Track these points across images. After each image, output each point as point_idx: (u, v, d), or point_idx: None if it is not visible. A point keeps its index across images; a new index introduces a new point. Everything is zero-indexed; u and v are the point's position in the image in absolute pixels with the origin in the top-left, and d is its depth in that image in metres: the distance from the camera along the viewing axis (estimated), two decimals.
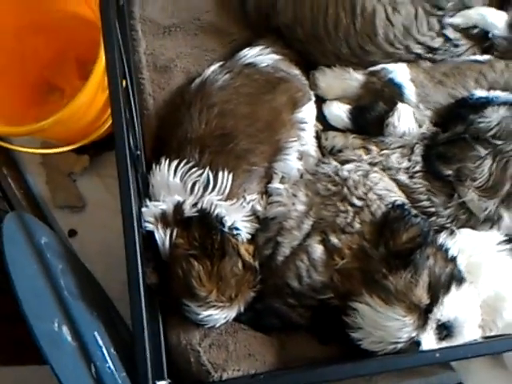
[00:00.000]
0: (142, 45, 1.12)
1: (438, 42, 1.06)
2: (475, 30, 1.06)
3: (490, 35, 1.05)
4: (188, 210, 0.92)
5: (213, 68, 1.07)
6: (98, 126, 1.13)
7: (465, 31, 1.06)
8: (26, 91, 1.22)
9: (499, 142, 0.94)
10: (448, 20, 1.05)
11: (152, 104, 1.09)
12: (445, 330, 0.86)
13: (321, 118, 1.11)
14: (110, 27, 0.89)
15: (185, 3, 1.16)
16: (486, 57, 1.07)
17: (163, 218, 0.92)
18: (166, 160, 0.98)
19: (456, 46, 1.07)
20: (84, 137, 1.13)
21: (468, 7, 1.07)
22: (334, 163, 1.01)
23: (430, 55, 1.07)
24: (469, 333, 0.87)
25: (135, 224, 0.79)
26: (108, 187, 1.21)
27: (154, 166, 1.00)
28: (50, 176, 1.23)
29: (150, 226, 0.91)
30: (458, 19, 1.05)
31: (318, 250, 0.93)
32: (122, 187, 0.81)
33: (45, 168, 1.23)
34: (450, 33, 1.06)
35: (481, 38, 1.07)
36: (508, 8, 1.05)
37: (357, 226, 0.93)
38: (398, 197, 0.96)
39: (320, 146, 1.09)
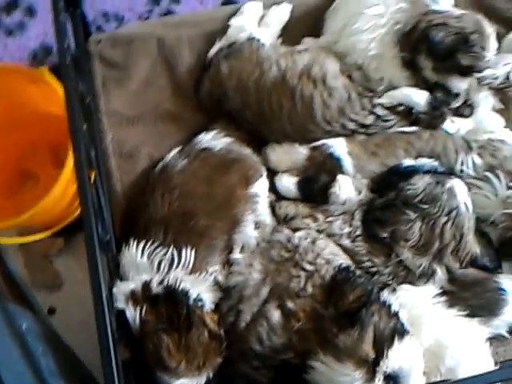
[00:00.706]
0: (109, 135, 1.22)
1: (369, 120, 1.19)
2: (401, 107, 1.19)
3: (413, 111, 1.19)
4: (155, 288, 1.01)
5: (172, 153, 1.18)
6: (71, 211, 1.22)
7: (393, 108, 1.19)
8: (1, 182, 1.30)
9: (425, 206, 1.06)
10: (377, 100, 1.19)
11: (120, 188, 1.19)
12: (391, 380, 0.95)
13: (274, 189, 1.23)
14: (75, 125, 0.99)
15: (145, 96, 1.28)
16: (413, 128, 1.20)
17: (133, 297, 1.00)
18: (134, 241, 1.07)
19: (386, 121, 1.20)
20: (59, 221, 1.21)
21: (395, 88, 1.21)
22: (286, 231, 1.11)
23: (363, 130, 1.20)
24: (413, 381, 0.96)
25: (105, 305, 0.86)
26: (83, 266, 1.28)
27: (123, 246, 1.08)
28: (27, 259, 1.30)
29: (120, 305, 0.99)
30: (386, 99, 1.19)
31: (275, 314, 1.02)
32: (92, 272, 0.89)
33: (22, 252, 1.31)
34: (379, 110, 1.19)
35: (407, 113, 1.20)
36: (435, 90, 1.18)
37: (309, 289, 1.02)
38: (343, 260, 1.06)
39: (275, 215, 1.20)
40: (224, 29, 1.32)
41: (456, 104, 1.25)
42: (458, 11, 1.21)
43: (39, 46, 1.53)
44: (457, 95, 1.22)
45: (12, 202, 1.30)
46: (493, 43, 1.19)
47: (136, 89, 1.28)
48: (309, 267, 1.04)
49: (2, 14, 1.56)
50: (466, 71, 1.19)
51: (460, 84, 1.21)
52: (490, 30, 1.18)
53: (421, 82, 1.22)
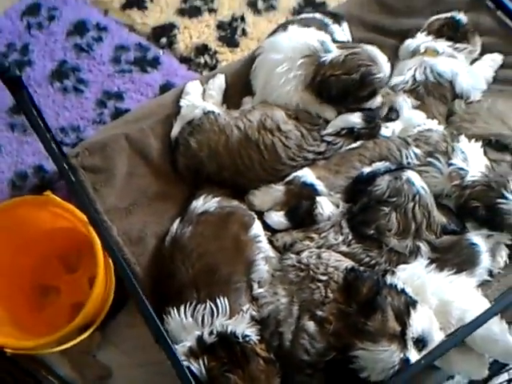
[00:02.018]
0: (114, 229, 1.36)
1: (323, 147, 1.41)
2: (344, 130, 1.42)
3: (355, 130, 1.42)
4: (208, 339, 1.15)
5: (176, 225, 1.34)
6: (102, 309, 1.33)
7: (338, 133, 1.42)
8: (27, 298, 1.40)
9: (394, 199, 1.27)
10: (324, 131, 1.41)
11: (140, 270, 1.33)
12: (419, 342, 1.14)
13: (266, 226, 1.40)
14: (98, 223, 1.14)
15: (131, 187, 1.43)
16: (359, 142, 1.43)
17: (192, 353, 1.14)
18: (173, 308, 1.21)
19: (335, 144, 1.42)
20: (93, 322, 1.32)
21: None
22: (293, 256, 1.29)
23: (320, 156, 1.41)
24: (436, 337, 1.16)
25: (184, 365, 1.00)
26: (125, 350, 1.39)
27: (164, 316, 1.22)
28: (72, 361, 1.39)
29: (185, 364, 1.12)
30: (331, 128, 1.42)
31: (311, 325, 1.19)
32: (164, 346, 1.02)
33: (65, 356, 1.39)
34: (328, 138, 1.41)
35: (350, 133, 1.43)
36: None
37: (330, 295, 1.20)
38: (347, 262, 1.25)
39: (275, 247, 1.37)
40: (175, 111, 1.51)
41: (383, 113, 1.50)
42: (351, 49, 1.42)
43: (14, 176, 1.65)
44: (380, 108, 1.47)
45: (41, 318, 1.40)
46: (386, 66, 1.42)
47: (122, 183, 1.43)
48: (323, 278, 1.22)
49: None
50: (373, 94, 1.43)
51: (374, 103, 1.46)
52: (383, 56, 1.42)
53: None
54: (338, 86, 1.38)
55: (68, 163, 1.31)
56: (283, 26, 1.55)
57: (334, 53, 1.41)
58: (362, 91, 1.39)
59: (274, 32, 1.57)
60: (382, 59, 1.43)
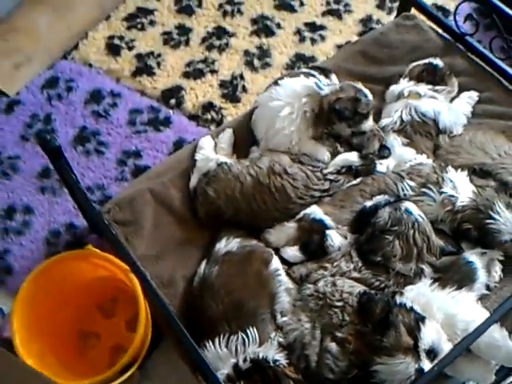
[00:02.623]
0: (147, 274, 1.49)
1: (326, 185, 1.57)
2: (344, 169, 1.58)
3: (353, 167, 1.59)
4: (243, 365, 1.27)
5: (203, 266, 1.47)
6: (141, 349, 1.44)
7: (339, 172, 1.58)
8: (70, 343, 1.52)
9: (396, 228, 1.42)
10: (326, 170, 1.57)
11: (173, 310, 1.45)
12: (431, 353, 1.27)
13: (283, 261, 1.54)
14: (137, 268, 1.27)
15: (159, 235, 1.56)
16: (358, 179, 1.59)
17: (230, 380, 1.26)
18: (208, 342, 1.33)
19: (337, 181, 1.58)
20: (133, 362, 1.43)
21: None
22: (310, 286, 1.42)
23: (325, 194, 1.57)
24: (445, 347, 1.28)
25: None
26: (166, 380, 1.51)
27: (200, 349, 1.34)
28: None
29: None
30: (332, 167, 1.58)
31: (333, 346, 1.31)
32: (202, 364, 1.15)
33: None
34: (330, 176, 1.57)
35: (349, 171, 1.59)
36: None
37: (347, 318, 1.33)
38: (360, 287, 1.38)
39: (292, 279, 1.51)
40: (191, 164, 1.67)
41: (375, 151, 1.67)
42: (340, 85, 1.64)
43: (48, 234, 1.80)
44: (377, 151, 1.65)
45: (84, 360, 1.51)
46: (369, 95, 1.63)
47: (150, 233, 1.57)
48: (339, 303, 1.35)
49: (6, 220, 1.82)
50: (367, 115, 1.62)
51: (367, 125, 1.63)
52: (363, 88, 1.63)
53: (333, 144, 1.63)
54: (347, 106, 1.58)
55: (102, 219, 1.45)
56: (274, 83, 1.73)
57: (329, 87, 1.62)
58: (362, 110, 1.58)
59: (267, 88, 1.74)
60: (366, 89, 1.64)
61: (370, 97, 1.63)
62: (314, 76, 1.66)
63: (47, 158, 1.41)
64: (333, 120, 1.61)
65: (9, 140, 1.98)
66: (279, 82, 1.67)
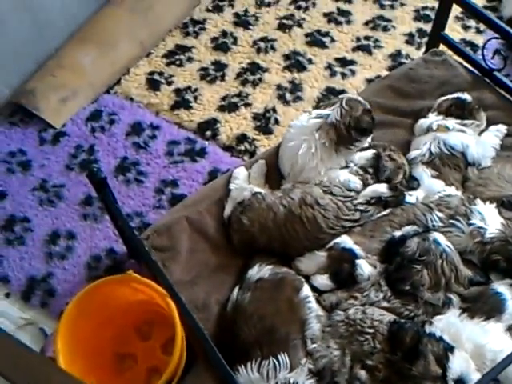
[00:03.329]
0: (182, 298, 1.55)
1: (357, 215, 1.61)
2: (374, 199, 1.63)
3: (382, 198, 1.63)
4: None
5: (235, 292, 1.53)
6: (176, 372, 1.49)
7: (368, 202, 1.63)
8: (109, 364, 1.58)
9: (424, 258, 1.45)
10: (356, 201, 1.63)
11: (208, 334, 1.51)
12: (459, 382, 1.28)
13: (313, 288, 1.58)
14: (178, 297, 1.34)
15: (194, 261, 1.63)
16: (388, 210, 1.64)
17: None
18: (240, 366, 1.38)
19: (367, 212, 1.63)
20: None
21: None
22: (341, 313, 1.46)
23: (356, 224, 1.61)
24: (473, 377, 1.30)
25: None
26: None
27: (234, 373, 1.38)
28: None
29: None
30: (362, 198, 1.63)
31: (362, 373, 1.34)
32: None
33: None
34: (361, 207, 1.62)
35: (379, 201, 1.64)
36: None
37: (378, 346, 1.36)
38: (390, 316, 1.41)
39: (322, 307, 1.55)
40: (226, 193, 1.75)
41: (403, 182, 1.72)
42: (343, 105, 1.68)
43: (89, 259, 1.89)
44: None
45: (121, 381, 1.57)
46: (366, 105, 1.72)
47: (186, 259, 1.64)
48: (370, 331, 1.38)
49: (51, 245, 1.92)
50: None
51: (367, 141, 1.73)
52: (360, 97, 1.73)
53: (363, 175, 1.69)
54: (366, 120, 1.68)
55: (143, 245, 1.53)
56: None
57: (332, 112, 1.68)
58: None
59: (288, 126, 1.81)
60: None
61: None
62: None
63: (92, 187, 1.50)
64: (356, 138, 1.69)
65: (54, 169, 2.10)
66: (291, 123, 1.77)
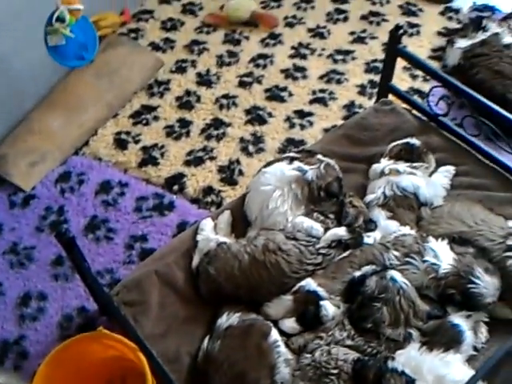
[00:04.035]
0: (154, 352, 1.59)
1: (319, 259, 1.69)
2: (334, 243, 1.72)
3: (342, 241, 1.72)
4: None
5: (205, 342, 1.57)
6: None
7: (329, 246, 1.71)
8: None
9: (383, 295, 1.53)
10: (318, 246, 1.71)
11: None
12: None
13: (281, 332, 1.63)
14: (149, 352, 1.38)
15: (165, 314, 1.67)
16: (348, 251, 1.72)
17: None
18: None
19: (329, 255, 1.71)
20: None
21: None
22: (308, 355, 1.51)
23: (318, 267, 1.69)
24: None
25: None
26: None
27: None
28: None
29: None
30: (323, 243, 1.71)
31: None
32: None
33: None
34: (322, 250, 1.70)
35: (339, 244, 1.73)
36: None
37: None
38: (353, 354, 1.47)
39: (291, 350, 1.60)
40: (193, 245, 1.81)
41: (362, 225, 1.81)
42: (321, 169, 1.81)
43: (61, 318, 1.91)
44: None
45: None
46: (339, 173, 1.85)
47: (157, 312, 1.68)
48: (335, 371, 1.44)
49: (22, 307, 1.94)
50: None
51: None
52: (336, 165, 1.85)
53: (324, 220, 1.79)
54: (336, 186, 1.82)
55: (112, 301, 1.58)
56: (264, 166, 1.91)
57: (311, 172, 1.80)
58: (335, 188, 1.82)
59: (257, 174, 1.92)
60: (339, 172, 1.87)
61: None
62: (296, 159, 1.85)
63: (61, 247, 1.56)
64: (323, 199, 1.79)
65: (25, 232, 2.14)
66: (267, 169, 1.86)
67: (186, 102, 2.55)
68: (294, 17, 2.89)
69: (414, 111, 2.19)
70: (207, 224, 1.85)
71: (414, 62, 2.14)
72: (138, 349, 1.43)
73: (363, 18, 2.86)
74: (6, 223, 2.16)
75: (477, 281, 1.57)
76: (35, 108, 2.50)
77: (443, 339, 1.51)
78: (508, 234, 1.66)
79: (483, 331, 1.57)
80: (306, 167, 1.81)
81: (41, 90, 2.53)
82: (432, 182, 1.92)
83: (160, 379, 1.44)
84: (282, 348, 1.56)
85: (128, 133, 2.45)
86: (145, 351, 1.39)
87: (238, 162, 2.32)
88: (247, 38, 2.81)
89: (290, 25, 2.85)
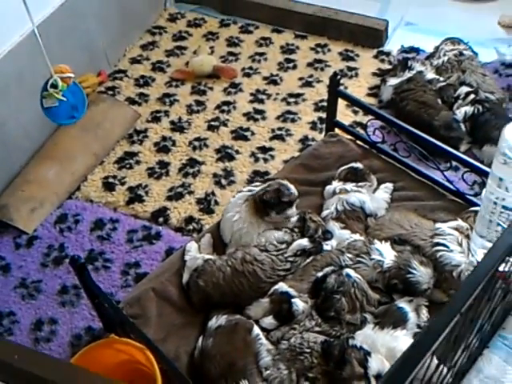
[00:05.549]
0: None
1: (288, 265, 2.01)
2: (299, 252, 2.05)
3: (306, 249, 2.06)
4: None
5: (200, 341, 1.85)
6: None
7: (295, 254, 2.04)
8: None
9: (341, 289, 1.86)
10: (286, 255, 2.04)
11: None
12: (379, 377, 1.65)
13: (262, 329, 1.93)
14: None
15: (163, 323, 1.95)
16: (311, 257, 2.05)
17: None
18: None
19: (295, 262, 2.03)
20: None
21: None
22: (285, 342, 1.81)
23: (288, 272, 2.01)
24: None
25: None
26: None
27: None
28: None
29: None
30: (290, 252, 2.04)
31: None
32: None
33: None
34: (290, 258, 2.03)
35: (303, 252, 2.06)
36: None
37: (315, 361, 1.71)
38: (322, 337, 1.78)
39: (271, 342, 1.89)
40: (182, 264, 2.11)
41: (321, 236, 2.15)
42: (268, 183, 2.16)
43: (71, 338, 2.16)
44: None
45: None
46: (294, 189, 2.15)
47: (156, 322, 1.95)
48: (308, 350, 1.74)
49: (36, 332, 2.18)
50: (290, 203, 2.14)
51: (291, 211, 2.13)
52: (287, 183, 2.15)
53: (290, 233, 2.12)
54: (272, 196, 2.09)
55: (122, 311, 1.86)
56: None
57: (258, 188, 2.14)
58: (284, 198, 2.10)
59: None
60: (291, 185, 2.16)
61: (293, 190, 2.14)
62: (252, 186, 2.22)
63: (74, 272, 1.83)
64: (266, 210, 2.11)
65: (31, 268, 2.39)
66: (230, 199, 2.21)
67: (163, 147, 2.87)
68: (250, 68, 3.27)
69: (357, 141, 2.57)
70: (192, 246, 2.15)
71: (352, 101, 2.55)
72: (147, 348, 1.70)
73: (309, 65, 3.27)
74: (13, 262, 2.40)
75: (414, 271, 1.91)
76: (29, 161, 2.77)
77: (391, 320, 1.83)
78: (434, 234, 2.03)
79: (424, 312, 1.90)
80: (256, 188, 2.14)
81: (33, 146, 2.80)
82: (375, 197, 2.28)
83: (169, 373, 1.69)
84: (264, 340, 1.85)
85: (114, 176, 2.74)
86: (154, 350, 1.66)
87: (213, 193, 2.64)
88: (211, 88, 3.17)
89: (247, 75, 3.23)
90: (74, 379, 0.96)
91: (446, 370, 1.56)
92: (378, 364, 1.67)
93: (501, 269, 1.38)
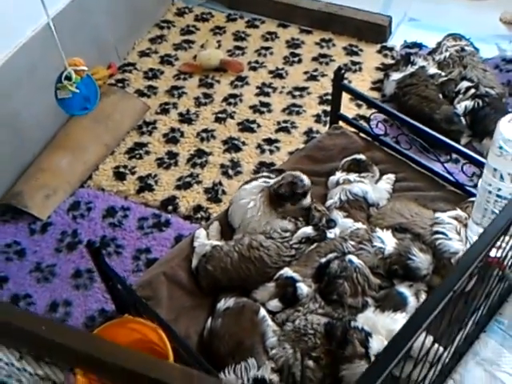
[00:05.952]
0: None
1: (293, 252, 2.08)
2: (304, 239, 2.13)
3: (310, 237, 2.14)
4: None
5: (209, 322, 1.94)
6: None
7: (300, 241, 2.13)
8: None
9: (343, 274, 1.94)
10: (291, 242, 2.12)
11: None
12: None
13: (268, 311, 2.01)
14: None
15: (173, 305, 2.04)
16: (315, 244, 2.13)
17: None
18: (220, 372, 1.77)
19: (300, 249, 2.12)
20: None
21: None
22: (290, 324, 1.89)
23: (293, 258, 2.10)
24: None
25: None
26: None
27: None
28: None
29: None
30: (294, 240, 2.12)
31: (310, 363, 1.76)
32: None
33: None
34: (295, 245, 2.11)
35: (308, 240, 2.14)
36: None
37: (318, 341, 1.80)
38: (325, 319, 1.86)
39: (277, 324, 1.97)
40: (191, 250, 2.19)
41: (325, 224, 2.23)
42: (282, 175, 2.23)
43: (85, 319, 2.25)
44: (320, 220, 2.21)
45: None
46: (307, 179, 2.22)
47: (167, 303, 2.04)
48: (312, 332, 1.83)
49: (52, 313, 2.27)
50: (304, 194, 2.20)
51: (306, 202, 2.20)
52: (300, 175, 2.22)
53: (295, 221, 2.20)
54: (286, 189, 2.16)
55: (136, 293, 1.95)
56: (239, 187, 2.33)
57: (274, 180, 2.23)
58: (298, 190, 2.17)
59: (237, 191, 2.34)
60: (304, 176, 2.22)
61: (306, 181, 2.21)
62: (265, 177, 2.28)
63: (89, 256, 1.91)
64: (281, 202, 2.19)
65: (46, 253, 2.47)
66: (244, 186, 2.28)
67: (171, 138, 2.95)
68: (256, 62, 3.34)
69: (361, 133, 2.64)
70: (201, 233, 2.23)
71: (355, 95, 2.62)
72: (159, 327, 1.78)
73: (314, 59, 3.34)
74: (28, 247, 2.49)
75: (413, 258, 2.00)
76: (42, 151, 2.85)
77: (391, 303, 1.91)
78: (434, 223, 2.11)
79: (423, 297, 1.98)
80: (271, 180, 2.22)
81: (46, 135, 2.89)
82: (377, 188, 2.36)
83: (181, 351, 1.77)
84: (270, 321, 1.94)
85: (125, 166, 2.82)
86: (167, 329, 1.75)
87: (220, 183, 2.72)
88: (218, 81, 3.24)
89: (253, 68, 3.30)
90: (102, 349, 1.03)
91: (442, 349, 1.65)
92: (379, 344, 1.76)
93: (492, 254, 1.45)
